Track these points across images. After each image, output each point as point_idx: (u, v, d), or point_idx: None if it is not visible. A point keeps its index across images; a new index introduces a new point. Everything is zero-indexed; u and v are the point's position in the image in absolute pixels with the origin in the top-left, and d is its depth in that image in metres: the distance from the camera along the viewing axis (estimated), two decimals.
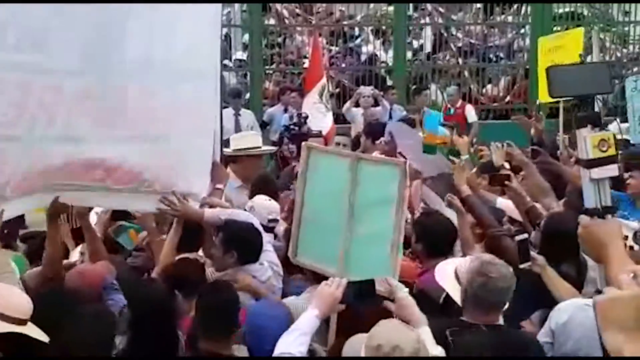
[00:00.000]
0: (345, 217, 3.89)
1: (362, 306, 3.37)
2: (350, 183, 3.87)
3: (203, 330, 3.58)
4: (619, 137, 6.73)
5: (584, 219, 2.47)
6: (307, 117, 9.02)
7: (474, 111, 11.79)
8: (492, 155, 6.08)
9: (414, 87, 12.48)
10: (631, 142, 8.30)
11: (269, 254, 4.60)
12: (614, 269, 2.25)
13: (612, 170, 2.55)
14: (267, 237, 4.74)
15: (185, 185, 4.67)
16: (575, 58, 8.33)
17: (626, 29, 14.33)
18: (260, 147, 6.66)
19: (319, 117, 9.43)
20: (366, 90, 11.32)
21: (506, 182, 5.32)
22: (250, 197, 5.60)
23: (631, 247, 4.46)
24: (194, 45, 4.58)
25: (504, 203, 5.59)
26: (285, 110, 11.02)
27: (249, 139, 6.64)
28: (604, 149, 2.52)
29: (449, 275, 3.97)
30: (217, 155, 5.00)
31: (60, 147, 4.02)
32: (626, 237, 4.50)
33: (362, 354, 2.93)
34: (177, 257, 4.53)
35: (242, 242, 4.45)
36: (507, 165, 6.07)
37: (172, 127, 4.51)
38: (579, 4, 14.04)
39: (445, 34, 13.90)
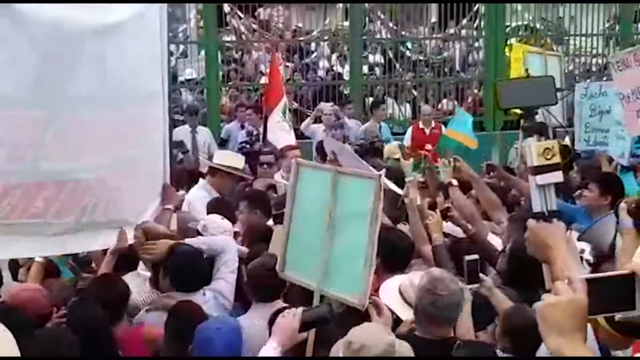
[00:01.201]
0: (326, 231, 3.91)
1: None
2: (330, 197, 3.90)
3: None
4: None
5: (530, 222, 2.62)
6: (258, 135, 9.10)
7: None
8: (440, 173, 6.09)
9: (371, 101, 12.55)
10: (577, 150, 8.38)
11: (220, 283, 4.58)
12: (558, 268, 2.44)
13: (556, 176, 2.69)
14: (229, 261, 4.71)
15: (132, 211, 4.63)
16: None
17: (578, 41, 14.60)
18: (239, 169, 6.93)
19: (283, 135, 9.47)
20: (326, 107, 11.34)
21: (448, 214, 5.40)
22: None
23: (588, 261, 4.53)
24: (140, 68, 4.56)
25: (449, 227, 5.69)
26: (242, 127, 11.04)
27: (232, 159, 6.96)
28: (549, 157, 2.67)
29: (394, 292, 4.00)
30: (167, 176, 4.98)
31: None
32: (582, 251, 4.59)
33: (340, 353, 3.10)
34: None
35: (179, 269, 4.47)
36: (454, 182, 6.12)
37: (117, 152, 4.48)
38: (531, 19, 14.28)
39: (401, 48, 14.03)
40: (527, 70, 8.15)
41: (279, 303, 4.28)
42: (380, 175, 3.80)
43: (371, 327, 3.23)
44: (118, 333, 4.13)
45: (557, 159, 2.69)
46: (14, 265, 5.51)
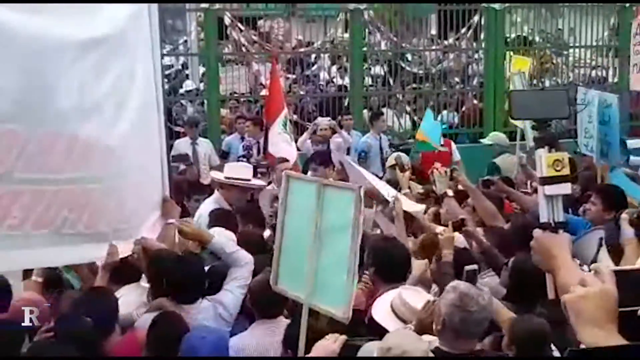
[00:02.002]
0: (312, 243, 3.93)
1: None
2: (316, 209, 3.91)
3: None
4: None
5: (537, 231, 2.67)
6: (258, 146, 9.13)
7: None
8: (436, 183, 6.11)
9: (370, 112, 12.58)
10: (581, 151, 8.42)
11: (226, 295, 4.57)
12: (562, 277, 2.46)
13: (565, 188, 2.77)
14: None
15: (122, 226, 4.63)
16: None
17: (577, 53, 14.65)
18: (249, 180, 6.97)
19: (285, 147, 9.50)
20: (323, 122, 11.34)
21: (463, 229, 5.39)
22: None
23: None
24: (126, 82, 4.56)
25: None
26: (242, 139, 11.07)
27: (242, 171, 7.00)
28: (558, 168, 2.75)
29: (386, 308, 4.02)
30: (166, 190, 4.99)
31: None
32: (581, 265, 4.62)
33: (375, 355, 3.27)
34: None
35: (175, 278, 4.47)
36: (450, 192, 6.14)
37: (104, 165, 4.46)
38: (530, 31, 14.32)
39: (400, 60, 14.07)
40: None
41: (282, 320, 4.29)
42: (360, 187, 3.84)
43: (405, 332, 3.43)
44: (110, 346, 4.12)
45: (566, 170, 2.77)
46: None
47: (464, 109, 13.74)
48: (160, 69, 5.04)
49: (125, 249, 4.65)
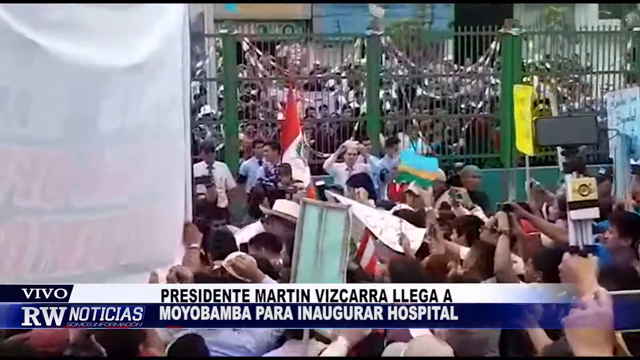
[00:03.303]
0: (314, 264, 3.96)
1: None
2: (318, 231, 3.95)
3: None
4: None
5: (565, 255, 2.74)
6: (279, 171, 9.14)
7: None
8: (498, 221, 5.77)
9: (386, 138, 12.61)
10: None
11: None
12: (587, 298, 2.48)
13: (592, 212, 2.86)
14: None
15: (155, 250, 4.66)
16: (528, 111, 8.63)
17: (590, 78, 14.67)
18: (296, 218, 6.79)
19: (298, 173, 9.53)
20: (351, 145, 11.37)
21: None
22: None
23: None
24: (160, 106, 4.61)
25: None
26: (260, 163, 11.11)
27: (291, 209, 6.80)
28: (585, 193, 2.83)
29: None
30: (189, 214, 5.01)
31: (36, 218, 3.98)
32: None
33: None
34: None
35: None
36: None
37: (138, 189, 4.50)
38: (547, 56, 14.35)
39: (417, 85, 14.12)
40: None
41: (314, 341, 4.30)
42: (349, 206, 3.85)
43: (430, 338, 3.63)
44: None
45: (593, 195, 2.85)
46: None
47: (462, 129, 13.72)
48: (189, 94, 5.08)
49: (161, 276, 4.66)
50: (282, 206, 6.97)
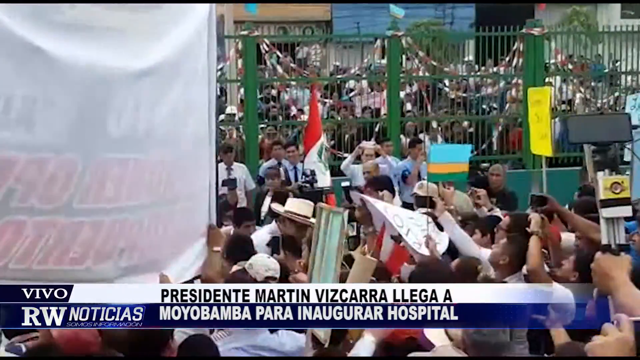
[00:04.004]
0: (321, 268, 3.99)
1: None
2: (324, 235, 3.98)
3: None
4: None
5: (598, 253, 2.75)
6: (314, 172, 9.14)
7: None
8: (531, 222, 5.68)
9: (409, 139, 12.56)
10: None
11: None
12: (622, 298, 2.57)
13: (624, 211, 2.84)
14: None
15: (171, 253, 4.63)
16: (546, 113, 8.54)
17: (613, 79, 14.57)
18: (309, 218, 6.69)
19: (320, 176, 9.52)
20: (367, 145, 11.33)
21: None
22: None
23: None
24: (178, 111, 4.55)
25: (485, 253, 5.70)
26: (279, 164, 11.10)
27: (302, 207, 6.84)
28: (617, 191, 2.83)
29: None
30: (213, 217, 4.99)
31: (33, 218, 3.94)
32: None
33: None
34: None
35: None
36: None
37: (155, 194, 4.45)
38: (570, 56, 14.24)
39: (439, 85, 14.06)
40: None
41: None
42: (345, 209, 3.84)
43: (448, 348, 3.71)
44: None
45: (625, 193, 2.84)
46: None
47: (501, 135, 13.66)
48: (215, 97, 5.03)
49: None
50: (293, 206, 6.90)
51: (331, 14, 28.77)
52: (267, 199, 9.43)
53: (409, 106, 13.96)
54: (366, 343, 3.83)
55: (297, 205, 6.87)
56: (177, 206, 4.63)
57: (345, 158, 11.95)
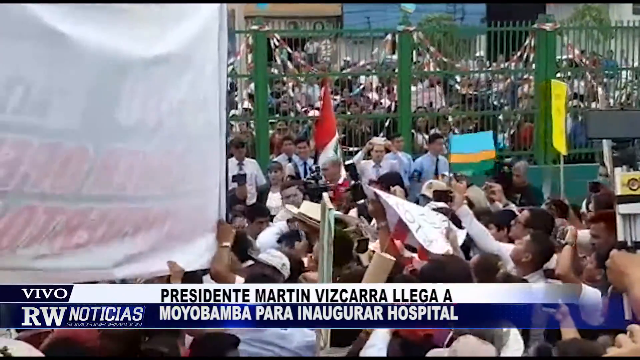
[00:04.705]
0: (323, 266, 3.94)
1: None
2: (327, 233, 3.91)
3: None
4: None
5: (613, 250, 2.71)
6: (319, 168, 9.11)
7: None
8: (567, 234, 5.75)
9: (427, 135, 12.52)
10: None
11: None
12: (635, 293, 2.51)
13: None
14: None
15: (177, 244, 4.63)
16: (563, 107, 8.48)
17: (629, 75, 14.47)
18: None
19: (338, 171, 9.51)
20: (378, 141, 11.31)
21: None
22: None
23: None
24: (189, 101, 4.54)
25: (504, 248, 5.71)
26: (290, 160, 11.09)
27: (315, 211, 6.57)
28: (635, 187, 2.80)
29: None
30: (222, 212, 4.97)
31: (44, 204, 3.95)
32: None
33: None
34: None
35: None
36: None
37: (164, 184, 4.46)
38: (582, 52, 14.15)
39: (451, 82, 14.00)
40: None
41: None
42: (330, 209, 3.83)
43: (472, 339, 3.70)
44: None
45: None
46: None
47: (512, 131, 13.61)
48: (226, 90, 5.01)
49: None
50: (308, 209, 6.79)
51: (342, 9, 28.70)
52: (271, 194, 9.45)
53: (418, 102, 13.90)
54: (381, 334, 3.87)
55: (310, 209, 6.76)
56: (186, 200, 4.63)
57: (355, 153, 11.94)
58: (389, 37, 13.64)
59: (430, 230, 5.62)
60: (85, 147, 4.00)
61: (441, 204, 6.42)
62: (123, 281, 4.82)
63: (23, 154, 3.79)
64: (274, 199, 9.32)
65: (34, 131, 3.80)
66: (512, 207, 7.61)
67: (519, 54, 13.42)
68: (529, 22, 13.37)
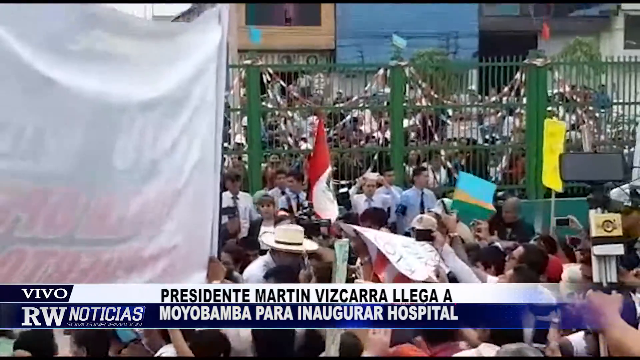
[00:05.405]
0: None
1: None
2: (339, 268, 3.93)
3: None
4: None
5: (589, 292, 2.76)
6: (311, 204, 9.12)
7: None
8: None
9: (412, 168, 12.56)
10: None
11: None
12: (614, 335, 2.59)
13: (617, 249, 2.86)
14: None
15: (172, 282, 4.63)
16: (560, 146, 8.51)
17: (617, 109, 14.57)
18: (300, 244, 6.65)
19: (328, 205, 9.50)
20: (372, 177, 11.35)
21: None
22: None
23: None
24: (189, 139, 4.58)
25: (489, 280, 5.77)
26: (283, 193, 11.08)
27: (294, 235, 6.71)
28: (609, 229, 2.86)
29: None
30: (214, 249, 4.96)
31: (34, 248, 3.95)
32: None
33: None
34: None
35: None
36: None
37: (157, 225, 4.46)
38: (572, 87, 14.24)
39: (442, 114, 14.07)
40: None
41: None
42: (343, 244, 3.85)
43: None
44: None
45: (617, 232, 2.85)
46: None
47: (504, 165, 13.66)
48: (222, 127, 5.03)
49: None
50: (284, 235, 6.72)
51: (335, 43, 28.93)
52: (262, 228, 9.42)
53: (412, 135, 13.95)
54: None
55: (287, 235, 6.71)
56: (180, 237, 4.63)
57: (345, 186, 11.96)
58: (381, 71, 13.73)
59: (413, 260, 5.62)
60: (78, 191, 4.01)
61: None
62: None
63: (14, 198, 3.79)
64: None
65: (25, 175, 3.81)
66: (497, 243, 7.64)
67: (510, 88, 13.49)
68: (520, 58, 13.47)
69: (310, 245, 6.94)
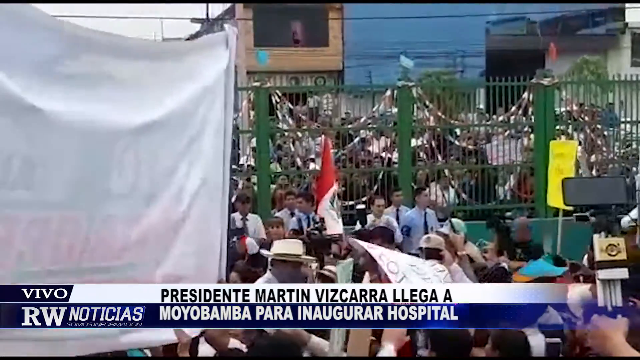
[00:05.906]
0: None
1: None
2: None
3: None
4: None
5: (594, 316, 2.77)
6: (323, 219, 9.15)
7: None
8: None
9: (413, 187, 12.61)
10: None
11: None
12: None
13: (621, 273, 2.83)
14: None
15: None
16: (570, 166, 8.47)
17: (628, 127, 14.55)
18: (299, 255, 6.63)
19: (332, 224, 9.52)
20: (379, 201, 11.42)
21: None
22: None
23: None
24: (193, 160, 4.57)
25: None
26: (292, 215, 11.12)
27: (291, 246, 6.70)
28: (613, 253, 2.84)
29: None
30: (222, 272, 4.96)
31: (45, 280, 3.83)
32: None
33: None
34: None
35: None
36: None
37: (163, 251, 4.46)
38: (580, 106, 14.25)
39: (449, 135, 14.10)
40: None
41: None
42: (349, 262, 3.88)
43: None
44: None
45: (622, 255, 2.84)
46: None
47: (511, 184, 13.65)
48: (230, 147, 5.02)
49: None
50: (281, 247, 6.67)
51: (343, 64, 29.05)
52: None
53: (421, 155, 13.97)
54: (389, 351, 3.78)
55: (284, 247, 6.68)
56: (188, 261, 4.61)
57: (353, 206, 12.00)
58: (388, 92, 13.78)
59: (417, 281, 5.61)
60: (77, 218, 4.00)
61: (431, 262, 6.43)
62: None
63: (13, 228, 3.79)
64: None
65: (21, 205, 3.81)
66: (504, 264, 7.65)
67: (517, 106, 13.51)
68: (527, 77, 13.51)
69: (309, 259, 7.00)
